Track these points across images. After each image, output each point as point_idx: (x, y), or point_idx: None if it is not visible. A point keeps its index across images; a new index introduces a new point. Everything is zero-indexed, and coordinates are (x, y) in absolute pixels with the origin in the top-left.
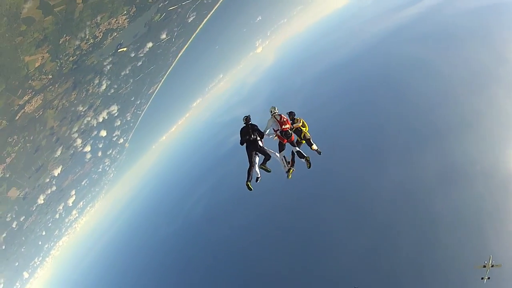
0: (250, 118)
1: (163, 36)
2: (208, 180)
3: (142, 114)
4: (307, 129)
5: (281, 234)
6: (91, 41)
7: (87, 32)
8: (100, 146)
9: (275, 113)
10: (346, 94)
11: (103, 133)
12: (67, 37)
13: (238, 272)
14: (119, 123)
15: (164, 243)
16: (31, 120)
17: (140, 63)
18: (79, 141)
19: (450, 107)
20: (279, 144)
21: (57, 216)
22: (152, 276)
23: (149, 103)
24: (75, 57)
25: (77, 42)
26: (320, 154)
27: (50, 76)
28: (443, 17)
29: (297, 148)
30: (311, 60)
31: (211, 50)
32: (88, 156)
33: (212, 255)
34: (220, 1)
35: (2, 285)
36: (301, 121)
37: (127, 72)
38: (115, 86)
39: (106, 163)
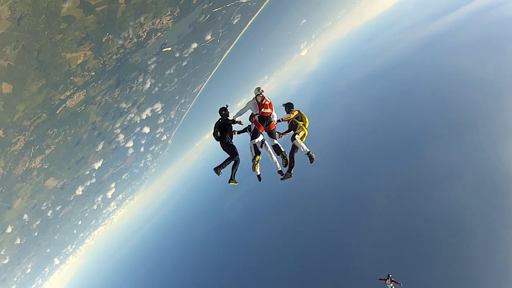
0: (226, 110)
1: (208, 37)
2: (247, 181)
3: (186, 113)
4: (307, 124)
5: (315, 237)
6: (135, 40)
7: (131, 32)
8: (143, 142)
9: (258, 94)
10: (387, 100)
11: (146, 129)
12: (110, 36)
13: (272, 272)
14: (162, 120)
15: (200, 241)
16: (72, 114)
17: (185, 63)
18: (121, 136)
19: (492, 115)
20: (253, 130)
21: (95, 207)
22: (184, 272)
23: (193, 102)
24: (118, 55)
25: (121, 41)
26: (311, 161)
27: (93, 73)
28: (484, 24)
29: (276, 141)
30: (354, 65)
31: (256, 52)
32: (130, 151)
33: (246, 256)
34: (264, 4)
35: (30, 269)
36: (295, 113)
37: (172, 71)
38: (160, 85)
39: (148, 159)
